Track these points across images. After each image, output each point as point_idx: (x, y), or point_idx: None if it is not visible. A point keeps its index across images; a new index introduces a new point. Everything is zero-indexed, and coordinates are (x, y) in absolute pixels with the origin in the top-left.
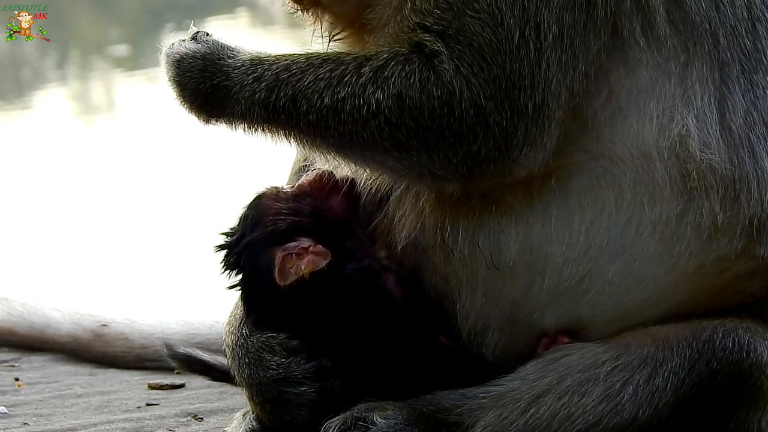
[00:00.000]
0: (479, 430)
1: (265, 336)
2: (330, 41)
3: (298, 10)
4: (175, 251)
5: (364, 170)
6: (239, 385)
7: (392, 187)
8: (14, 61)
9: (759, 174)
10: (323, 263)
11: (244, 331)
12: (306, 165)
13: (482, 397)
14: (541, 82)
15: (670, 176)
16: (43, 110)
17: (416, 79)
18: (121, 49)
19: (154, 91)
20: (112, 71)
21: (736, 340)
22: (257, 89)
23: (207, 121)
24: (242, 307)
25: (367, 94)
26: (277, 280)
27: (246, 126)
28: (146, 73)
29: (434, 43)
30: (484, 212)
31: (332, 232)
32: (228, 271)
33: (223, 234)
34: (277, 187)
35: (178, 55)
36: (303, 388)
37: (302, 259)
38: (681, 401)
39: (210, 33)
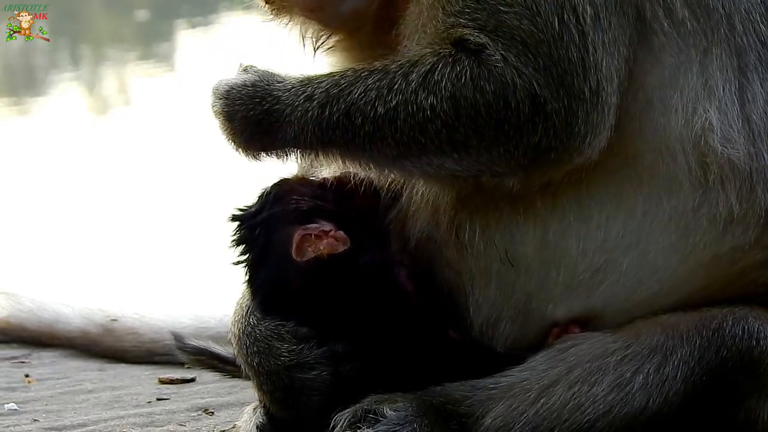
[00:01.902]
0: (489, 420)
1: (273, 324)
2: (316, 49)
3: (274, 15)
4: (185, 245)
5: (420, 178)
6: (247, 374)
7: (406, 183)
8: (26, 57)
9: None
10: (342, 248)
11: (251, 320)
12: None
13: (492, 388)
14: (592, 66)
15: (691, 170)
16: (54, 106)
17: (468, 78)
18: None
19: (167, 83)
20: (124, 64)
21: (746, 328)
22: (309, 108)
23: (256, 155)
24: (247, 288)
25: (419, 99)
26: (294, 255)
27: (299, 150)
28: (158, 66)
29: (477, 37)
30: (500, 209)
31: (352, 222)
32: (238, 244)
33: (239, 209)
34: (303, 175)
35: (227, 87)
36: (316, 372)
37: (321, 241)
38: (691, 390)
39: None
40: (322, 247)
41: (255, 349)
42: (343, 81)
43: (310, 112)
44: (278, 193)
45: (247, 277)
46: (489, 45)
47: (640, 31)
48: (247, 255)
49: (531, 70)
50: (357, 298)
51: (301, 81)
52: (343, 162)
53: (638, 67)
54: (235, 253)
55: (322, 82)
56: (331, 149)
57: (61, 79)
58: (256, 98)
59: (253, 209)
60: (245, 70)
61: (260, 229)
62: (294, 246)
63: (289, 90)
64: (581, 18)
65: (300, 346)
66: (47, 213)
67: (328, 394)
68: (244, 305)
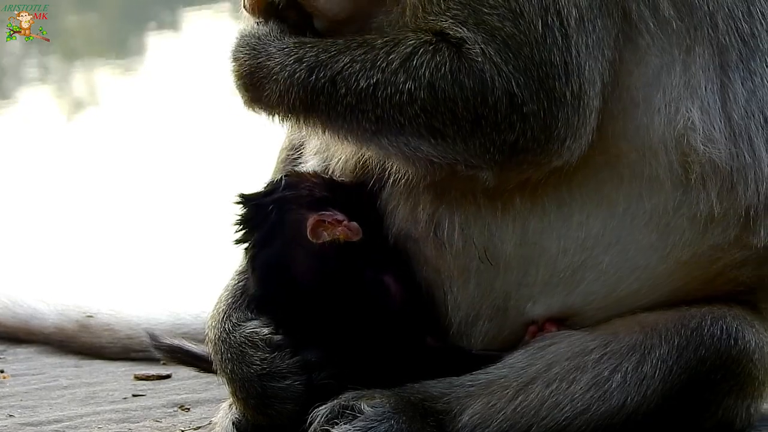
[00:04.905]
0: (467, 417)
1: (248, 331)
2: None
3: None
4: (161, 242)
5: (396, 159)
6: (222, 380)
7: (386, 179)
8: None
9: (756, 164)
10: (355, 238)
11: (226, 326)
12: (291, 154)
13: (470, 385)
14: (575, 69)
15: (672, 169)
16: (26, 104)
17: (447, 69)
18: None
19: (137, 83)
20: (95, 64)
21: (725, 327)
22: (297, 69)
23: (250, 104)
24: (246, 266)
25: (398, 81)
26: (309, 236)
27: (282, 112)
28: (129, 66)
29: (457, 31)
30: (480, 206)
31: (361, 212)
32: (243, 223)
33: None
34: (316, 172)
35: (244, 32)
36: (288, 382)
37: (336, 228)
38: (669, 388)
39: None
40: (337, 233)
41: (229, 355)
42: (333, 48)
43: (298, 74)
44: (291, 181)
45: (248, 257)
46: (469, 39)
47: (626, 32)
48: (251, 234)
49: (511, 69)
50: (346, 296)
51: (295, 42)
52: (324, 131)
53: (623, 68)
54: (238, 232)
55: (315, 46)
56: (314, 115)
57: (32, 79)
58: (255, 50)
59: (263, 192)
60: (265, 23)
61: (273, 208)
62: (309, 228)
63: (282, 49)
64: (565, 21)
65: (273, 355)
66: (22, 210)
67: (300, 403)
68: (221, 310)
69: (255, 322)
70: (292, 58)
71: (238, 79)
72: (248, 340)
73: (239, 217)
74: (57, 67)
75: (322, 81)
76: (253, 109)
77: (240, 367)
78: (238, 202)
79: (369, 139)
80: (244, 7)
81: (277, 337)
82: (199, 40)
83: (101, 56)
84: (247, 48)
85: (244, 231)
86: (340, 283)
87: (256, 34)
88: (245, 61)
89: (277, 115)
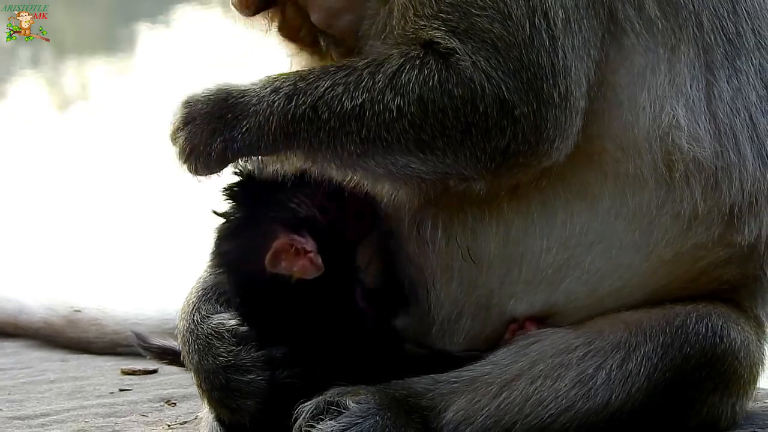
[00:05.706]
0: (451, 414)
1: (215, 322)
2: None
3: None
4: (149, 237)
5: (386, 181)
6: (188, 371)
7: (372, 187)
8: None
9: (740, 163)
10: (312, 276)
11: (195, 317)
12: None
13: (454, 382)
14: (562, 70)
15: (656, 168)
16: (16, 100)
17: (436, 81)
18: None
19: (128, 79)
20: (86, 60)
21: (710, 325)
22: (276, 99)
23: (207, 164)
24: (214, 243)
25: (386, 99)
26: (266, 262)
27: (262, 145)
28: (119, 63)
29: (447, 41)
30: (464, 206)
31: (335, 244)
32: (229, 197)
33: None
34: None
35: (191, 92)
36: (252, 376)
37: (298, 260)
38: (654, 386)
39: None
40: (295, 269)
41: (196, 346)
42: (311, 76)
43: (276, 103)
44: (294, 183)
45: (219, 235)
46: (459, 49)
47: (611, 31)
48: (230, 216)
49: (500, 74)
50: (310, 312)
51: (268, 77)
52: (306, 159)
53: (608, 66)
54: (223, 202)
55: (290, 76)
56: (296, 143)
57: (23, 74)
58: (221, 95)
59: (263, 178)
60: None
61: (252, 198)
62: (271, 252)
63: (255, 84)
64: (552, 22)
65: (239, 348)
66: (10, 205)
67: (263, 400)
68: (191, 302)
69: (223, 315)
70: (268, 89)
71: (200, 133)
72: (215, 332)
73: (228, 189)
74: (48, 63)
75: (303, 108)
76: (208, 174)
77: (206, 358)
78: (234, 174)
79: (355, 163)
80: (233, 4)
81: (243, 329)
82: (190, 35)
83: (92, 52)
84: (208, 100)
85: (227, 204)
86: (300, 304)
87: (212, 89)
88: (212, 107)
89: (253, 156)
